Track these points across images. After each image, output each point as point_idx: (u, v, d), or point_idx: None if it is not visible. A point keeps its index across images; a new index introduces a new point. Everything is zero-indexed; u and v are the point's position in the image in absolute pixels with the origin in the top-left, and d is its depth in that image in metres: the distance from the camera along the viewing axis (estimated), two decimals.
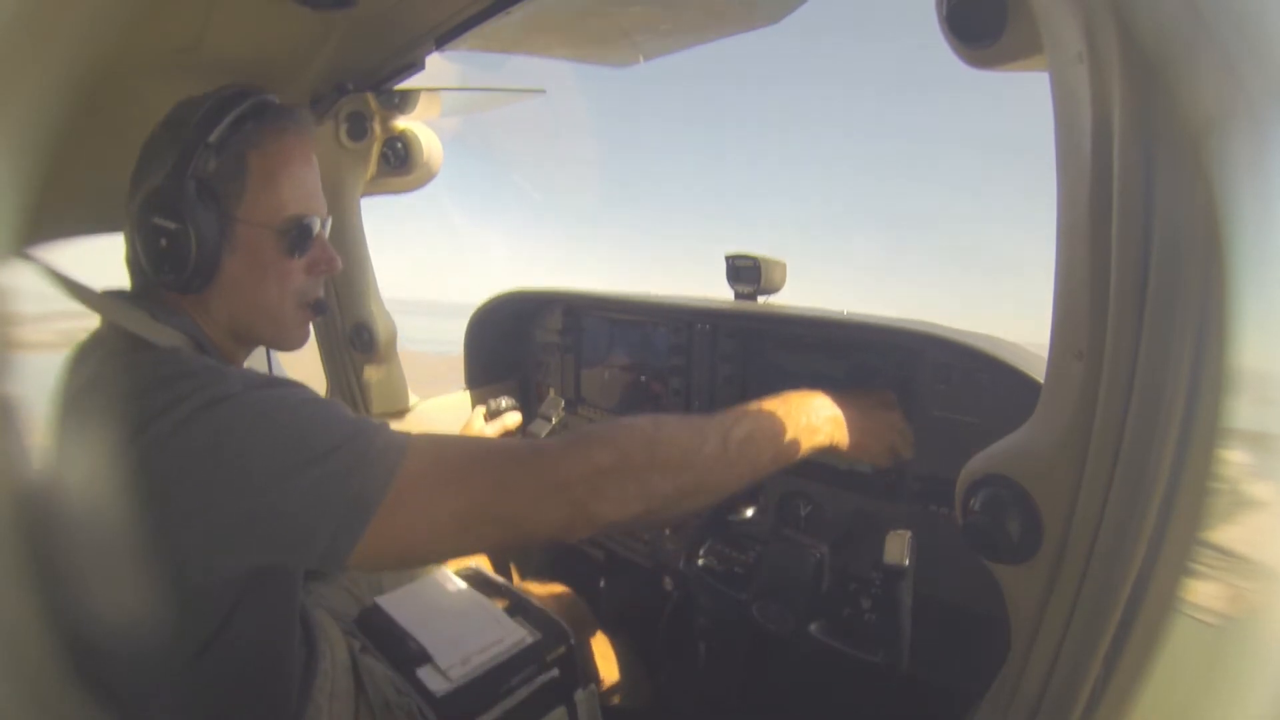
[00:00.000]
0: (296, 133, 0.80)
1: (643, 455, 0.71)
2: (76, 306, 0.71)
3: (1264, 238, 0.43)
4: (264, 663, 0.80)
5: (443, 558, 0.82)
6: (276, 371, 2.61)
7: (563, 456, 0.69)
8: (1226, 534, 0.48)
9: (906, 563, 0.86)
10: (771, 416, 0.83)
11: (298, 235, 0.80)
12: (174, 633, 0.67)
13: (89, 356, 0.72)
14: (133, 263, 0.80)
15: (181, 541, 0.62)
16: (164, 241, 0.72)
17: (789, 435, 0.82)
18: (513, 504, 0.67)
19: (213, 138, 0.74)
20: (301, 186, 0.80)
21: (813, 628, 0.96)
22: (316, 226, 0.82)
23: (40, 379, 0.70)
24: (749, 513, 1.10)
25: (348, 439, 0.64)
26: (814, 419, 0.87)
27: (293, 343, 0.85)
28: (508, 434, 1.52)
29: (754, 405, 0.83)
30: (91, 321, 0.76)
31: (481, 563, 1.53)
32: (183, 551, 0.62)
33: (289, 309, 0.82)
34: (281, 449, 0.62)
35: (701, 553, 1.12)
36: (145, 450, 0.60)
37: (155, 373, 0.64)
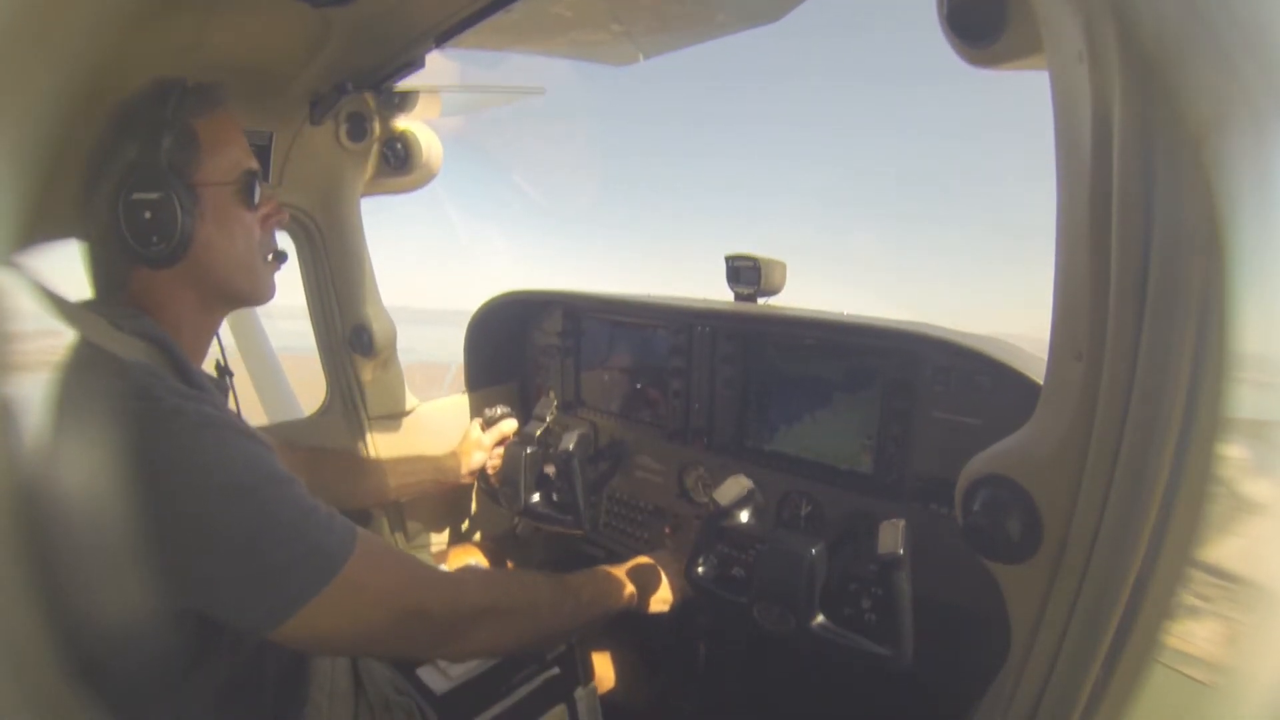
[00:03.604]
0: (225, 101, 0.87)
1: (520, 603, 0.92)
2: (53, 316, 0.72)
3: (1264, 238, 0.43)
4: (260, 670, 0.82)
5: (357, 654, 1.00)
6: (276, 372, 2.61)
7: (470, 591, 0.86)
8: (1225, 547, 0.48)
9: (901, 551, 0.86)
10: (608, 580, 1.10)
11: (251, 188, 0.87)
12: (167, 642, 0.70)
13: (69, 365, 0.73)
14: (100, 260, 0.82)
15: (151, 562, 0.64)
16: (148, 213, 0.77)
17: (614, 600, 1.09)
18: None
19: (168, 115, 0.79)
20: (242, 147, 0.88)
21: (814, 625, 0.96)
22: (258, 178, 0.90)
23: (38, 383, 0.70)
24: (744, 517, 1.10)
25: (299, 528, 0.70)
26: (634, 587, 1.14)
27: (265, 294, 0.93)
28: (504, 440, 1.53)
29: (600, 570, 1.12)
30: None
31: (480, 561, 1.53)
32: (154, 570, 0.65)
33: (258, 261, 0.90)
34: (236, 517, 0.68)
35: (700, 561, 1.12)
36: (126, 466, 0.63)
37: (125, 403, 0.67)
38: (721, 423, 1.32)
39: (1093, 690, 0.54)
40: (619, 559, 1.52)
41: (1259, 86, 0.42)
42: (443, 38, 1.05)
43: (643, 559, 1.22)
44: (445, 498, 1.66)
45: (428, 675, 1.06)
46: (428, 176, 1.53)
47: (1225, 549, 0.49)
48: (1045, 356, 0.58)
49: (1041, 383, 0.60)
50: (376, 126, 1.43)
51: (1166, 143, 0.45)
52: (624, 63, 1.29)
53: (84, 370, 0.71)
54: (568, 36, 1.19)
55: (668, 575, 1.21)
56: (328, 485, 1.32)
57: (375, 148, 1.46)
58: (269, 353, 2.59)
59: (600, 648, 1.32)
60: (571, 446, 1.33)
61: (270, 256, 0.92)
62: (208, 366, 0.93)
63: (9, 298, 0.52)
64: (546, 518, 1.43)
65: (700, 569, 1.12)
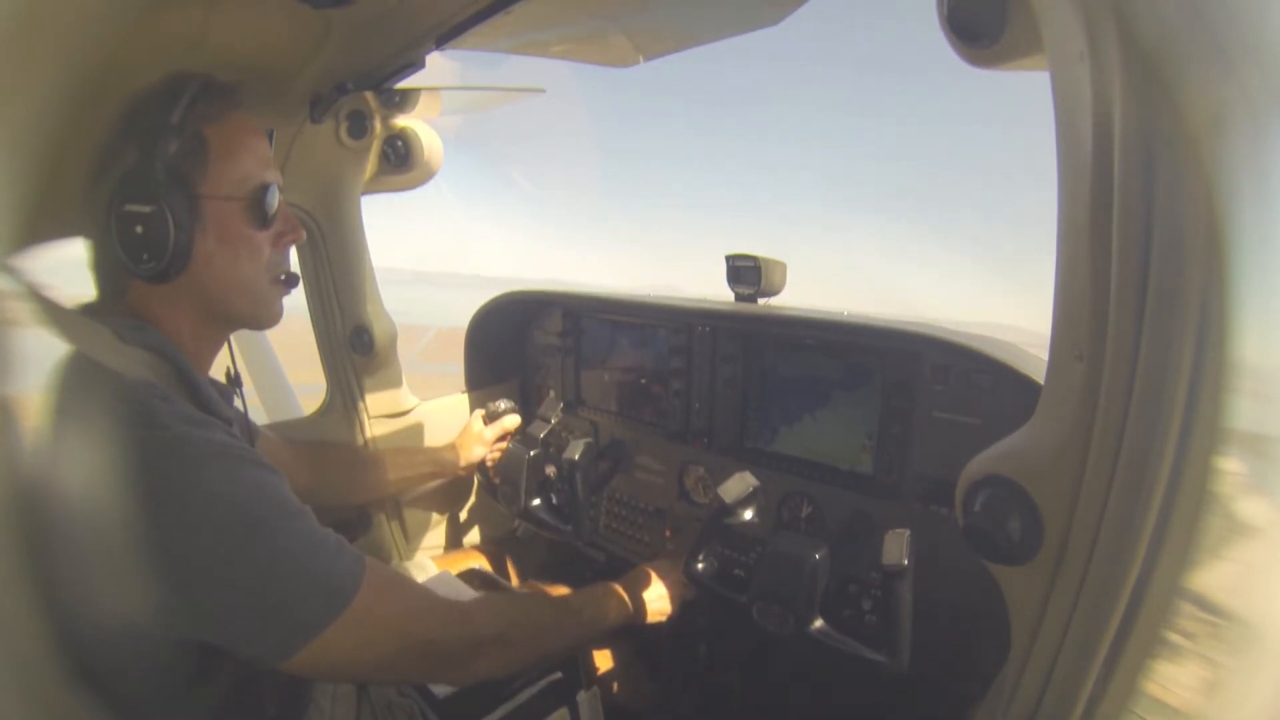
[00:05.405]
0: (241, 104, 0.81)
1: (526, 630, 0.92)
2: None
3: (1264, 238, 0.43)
4: (263, 672, 0.81)
5: (366, 682, 1.01)
6: (275, 374, 2.61)
7: (475, 621, 0.86)
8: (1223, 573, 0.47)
9: (905, 562, 0.86)
10: (608, 596, 1.10)
11: (263, 204, 0.80)
12: (171, 652, 0.69)
13: (70, 384, 0.69)
14: (100, 266, 0.78)
15: (156, 592, 0.63)
16: (140, 228, 0.72)
17: (614, 615, 1.09)
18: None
19: (174, 119, 0.74)
20: (259, 156, 0.81)
21: (813, 629, 0.96)
22: (277, 194, 0.83)
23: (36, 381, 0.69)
24: (747, 515, 1.10)
25: (308, 561, 0.69)
26: (634, 600, 1.14)
27: (270, 319, 0.86)
28: (507, 435, 1.52)
29: (599, 587, 1.12)
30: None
31: (481, 563, 1.53)
32: (159, 600, 0.63)
33: (264, 284, 0.83)
34: (242, 546, 0.66)
35: (700, 557, 1.12)
36: (131, 495, 0.61)
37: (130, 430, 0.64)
38: (722, 423, 1.32)
39: (1093, 691, 0.54)
40: (619, 562, 1.52)
41: (1259, 86, 0.42)
42: (443, 39, 1.05)
43: (642, 569, 1.22)
44: (445, 494, 1.66)
45: None
46: (428, 174, 1.54)
47: (1223, 575, 0.49)
48: (1044, 355, 0.58)
49: (1041, 382, 0.60)
50: (377, 125, 1.43)
51: (1167, 143, 0.45)
52: (623, 64, 1.29)
53: (85, 390, 0.66)
54: (568, 38, 1.19)
55: (667, 584, 1.20)
56: (328, 480, 1.31)
57: (376, 146, 1.46)
58: (269, 353, 2.59)
59: (601, 648, 1.32)
60: (577, 457, 1.30)
61: (282, 277, 0.86)
62: (217, 371, 0.90)
63: (8, 306, 0.51)
64: (545, 524, 1.42)
65: (700, 565, 1.11)
